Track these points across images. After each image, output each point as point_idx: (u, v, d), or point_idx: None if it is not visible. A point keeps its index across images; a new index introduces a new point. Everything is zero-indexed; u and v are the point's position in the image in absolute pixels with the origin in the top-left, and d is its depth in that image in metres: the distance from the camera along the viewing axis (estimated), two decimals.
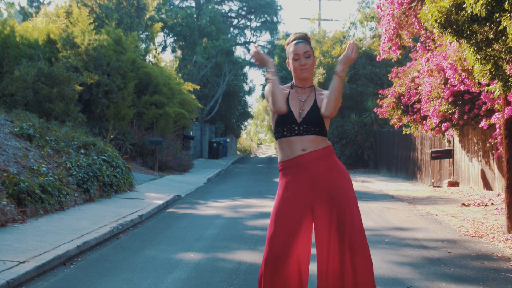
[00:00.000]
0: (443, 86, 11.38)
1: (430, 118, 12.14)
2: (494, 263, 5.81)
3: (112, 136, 15.91)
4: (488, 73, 5.29)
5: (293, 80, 3.63)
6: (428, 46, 9.95)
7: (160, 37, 35.08)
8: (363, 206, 10.97)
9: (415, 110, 13.22)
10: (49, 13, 22.43)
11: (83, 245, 6.66)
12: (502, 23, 4.34)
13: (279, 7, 47.41)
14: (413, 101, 13.25)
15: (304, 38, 3.59)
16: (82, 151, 11.93)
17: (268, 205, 11.36)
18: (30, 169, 9.28)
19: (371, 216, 9.54)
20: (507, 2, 4.10)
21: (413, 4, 8.52)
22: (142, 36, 26.09)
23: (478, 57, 5.11)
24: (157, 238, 7.52)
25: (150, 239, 7.46)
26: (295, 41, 3.58)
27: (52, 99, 14.38)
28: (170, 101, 21.25)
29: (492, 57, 5.11)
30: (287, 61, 3.63)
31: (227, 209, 10.59)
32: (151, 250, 6.69)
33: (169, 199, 11.82)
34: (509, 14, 4.21)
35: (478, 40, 4.95)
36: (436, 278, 5.16)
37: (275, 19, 46.03)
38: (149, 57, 26.12)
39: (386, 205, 11.10)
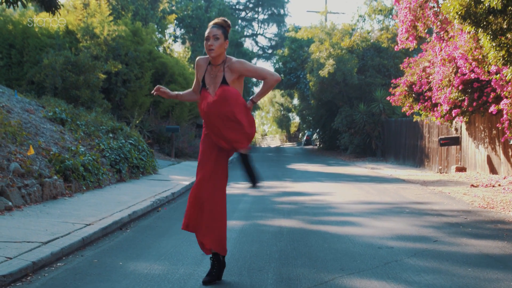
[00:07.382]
0: (453, 75, 12.05)
1: (441, 105, 12.80)
2: (507, 226, 6.54)
3: (137, 122, 16.58)
4: (501, 59, 6.00)
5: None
6: (442, 36, 10.63)
7: (170, 29, 35.72)
8: (378, 186, 11.70)
9: (426, 98, 13.87)
10: (66, 4, 23.03)
11: (132, 214, 7.39)
12: None
13: (286, 0, 48.03)
14: (424, 90, 13.90)
15: (219, 24, 4.14)
16: (111, 135, 12.64)
17: (289, 186, 12.03)
18: (69, 149, 9.99)
19: (388, 193, 10.24)
20: None
21: None
22: (156, 27, 26.69)
23: (494, 44, 5.81)
24: None
25: None
26: (210, 26, 4.15)
27: (79, 86, 15.05)
28: (185, 90, 21.88)
29: (505, 45, 5.81)
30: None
31: (250, 189, 11.23)
32: None
33: (194, 180, 12.52)
34: None
35: (493, 30, 5.64)
36: (457, 236, 5.89)
37: (282, 11, 46.64)
38: (162, 48, 26.76)
39: (400, 186, 11.79)
